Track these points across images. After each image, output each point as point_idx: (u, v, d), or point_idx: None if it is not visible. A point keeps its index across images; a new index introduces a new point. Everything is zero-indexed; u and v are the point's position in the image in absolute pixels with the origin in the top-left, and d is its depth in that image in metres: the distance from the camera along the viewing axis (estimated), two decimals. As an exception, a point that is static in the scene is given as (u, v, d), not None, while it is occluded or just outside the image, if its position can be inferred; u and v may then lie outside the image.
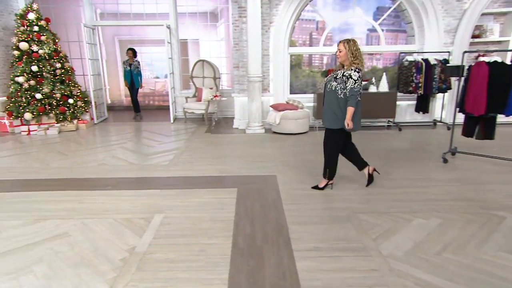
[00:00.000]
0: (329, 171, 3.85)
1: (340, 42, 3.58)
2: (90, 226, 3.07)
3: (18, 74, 6.98)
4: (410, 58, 6.94)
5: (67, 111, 7.36)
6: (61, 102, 7.29)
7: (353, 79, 3.47)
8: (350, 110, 3.50)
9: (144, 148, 5.97)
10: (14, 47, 7.05)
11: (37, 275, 2.36)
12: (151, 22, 9.11)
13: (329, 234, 2.93)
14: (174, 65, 8.65)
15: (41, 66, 7.07)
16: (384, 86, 7.29)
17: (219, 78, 8.45)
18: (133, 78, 8.46)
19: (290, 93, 7.82)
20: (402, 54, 7.36)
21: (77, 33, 8.72)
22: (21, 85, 7.02)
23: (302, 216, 3.28)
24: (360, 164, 4.01)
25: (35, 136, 6.91)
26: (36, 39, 7.05)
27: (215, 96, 7.70)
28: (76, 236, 2.89)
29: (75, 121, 7.41)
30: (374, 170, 4.04)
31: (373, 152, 5.43)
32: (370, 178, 4.02)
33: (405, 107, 7.58)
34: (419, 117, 7.52)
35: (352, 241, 2.81)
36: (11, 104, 7.06)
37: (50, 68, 7.16)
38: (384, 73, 7.48)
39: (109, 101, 10.79)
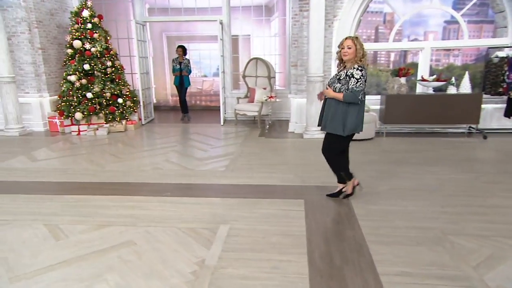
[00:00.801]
0: (345, 173, 3.85)
1: (347, 38, 3.53)
2: (154, 234, 3.20)
3: (71, 72, 7.50)
4: (501, 53, 6.52)
5: (116, 111, 7.77)
6: (110, 102, 7.72)
7: (355, 78, 3.42)
8: (339, 95, 3.46)
9: (197, 152, 6.14)
10: (67, 45, 7.58)
11: (110, 284, 2.50)
12: (204, 18, 9.39)
13: (417, 257, 2.82)
14: (226, 63, 8.83)
15: (92, 64, 7.54)
16: (466, 87, 6.91)
17: (274, 77, 8.49)
18: (182, 77, 8.76)
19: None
20: (490, 49, 6.93)
21: (127, 29, 9.20)
22: (73, 84, 7.54)
23: (382, 235, 3.19)
24: (345, 177, 3.91)
25: (85, 137, 7.37)
26: (89, 37, 7.53)
27: (269, 97, 7.74)
28: (142, 245, 3.02)
29: (123, 122, 7.80)
30: (358, 184, 3.95)
31: (453, 163, 5.17)
32: (352, 192, 3.95)
33: (491, 111, 7.12)
34: (509, 123, 7.03)
35: (447, 267, 2.67)
36: (62, 104, 7.59)
37: (101, 66, 7.61)
38: (467, 72, 7.09)
39: (154, 101, 11.24)
